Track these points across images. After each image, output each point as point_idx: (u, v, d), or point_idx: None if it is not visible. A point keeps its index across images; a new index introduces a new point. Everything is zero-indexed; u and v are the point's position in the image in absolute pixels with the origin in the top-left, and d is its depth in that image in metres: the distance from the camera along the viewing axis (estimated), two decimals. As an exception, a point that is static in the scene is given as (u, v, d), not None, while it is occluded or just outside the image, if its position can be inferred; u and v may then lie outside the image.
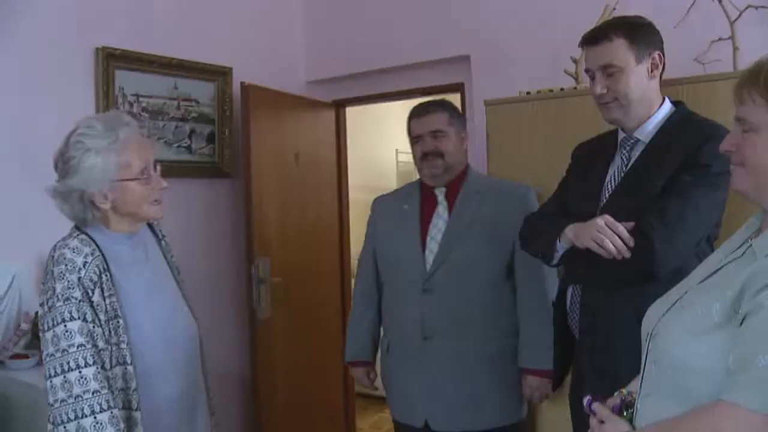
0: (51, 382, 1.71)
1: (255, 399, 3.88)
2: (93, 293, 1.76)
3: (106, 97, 3.49)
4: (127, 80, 3.58)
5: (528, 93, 3.13)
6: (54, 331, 1.71)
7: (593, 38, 2.04)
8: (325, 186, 4.38)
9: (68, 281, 1.74)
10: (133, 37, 3.61)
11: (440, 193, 2.69)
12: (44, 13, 3.33)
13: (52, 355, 1.70)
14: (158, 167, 1.96)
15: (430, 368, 2.56)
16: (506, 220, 2.57)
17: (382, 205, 2.88)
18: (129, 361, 1.80)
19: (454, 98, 4.15)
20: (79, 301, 1.73)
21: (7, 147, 3.14)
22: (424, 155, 2.66)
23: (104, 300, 1.78)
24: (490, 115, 3.20)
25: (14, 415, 2.81)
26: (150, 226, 2.11)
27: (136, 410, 1.82)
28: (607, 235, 1.81)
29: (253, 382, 3.90)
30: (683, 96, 2.36)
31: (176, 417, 1.96)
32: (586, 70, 2.10)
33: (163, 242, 2.13)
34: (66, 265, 1.76)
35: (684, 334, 1.28)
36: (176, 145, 3.82)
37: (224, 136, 4.02)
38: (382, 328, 2.83)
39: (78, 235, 1.85)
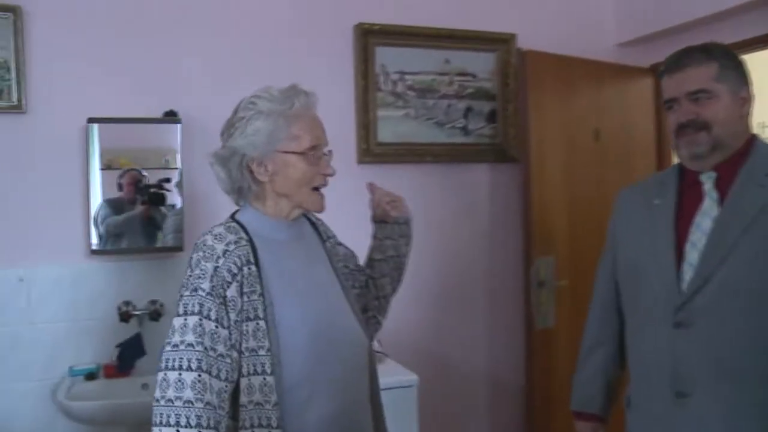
0: (156, 376, 1.54)
1: (530, 415, 3.38)
2: (229, 287, 1.55)
3: (365, 76, 3.26)
4: (389, 57, 3.32)
5: None
6: (173, 323, 1.54)
7: None
8: (638, 169, 3.57)
9: (201, 270, 1.55)
10: (395, 11, 3.32)
11: (708, 181, 1.84)
12: (300, -8, 3.22)
13: (163, 347, 1.54)
14: (330, 155, 1.71)
15: None
16: None
17: (626, 198, 2.09)
18: (269, 371, 1.55)
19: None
20: (206, 294, 1.53)
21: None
22: (680, 127, 1.85)
23: (241, 296, 1.56)
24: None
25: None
26: (315, 226, 1.86)
27: (276, 428, 1.56)
28: None
29: (528, 396, 3.39)
30: None
31: None
32: None
33: (328, 243, 1.85)
34: (204, 252, 1.57)
35: None
36: (449, 125, 3.44)
37: (507, 113, 3.52)
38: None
39: (228, 222, 1.66)
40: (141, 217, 2.95)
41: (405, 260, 1.98)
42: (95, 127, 2.87)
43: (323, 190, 1.71)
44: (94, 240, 2.89)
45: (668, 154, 3.65)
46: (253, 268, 1.59)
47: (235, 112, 1.69)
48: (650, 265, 1.86)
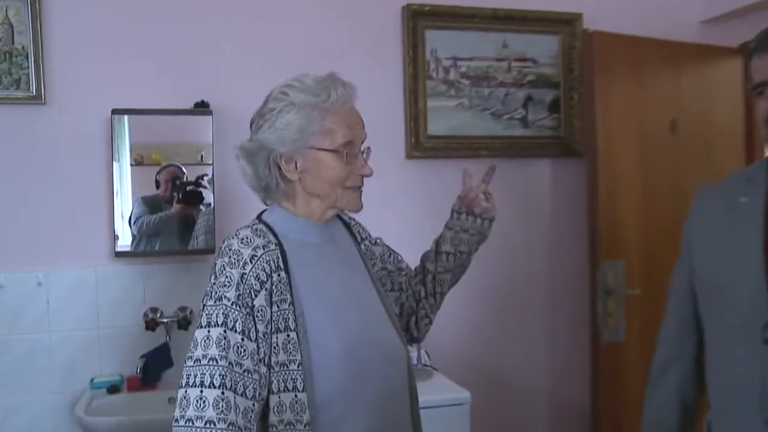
0: (177, 393, 1.43)
1: (595, 441, 3.05)
2: (257, 295, 1.44)
3: (414, 63, 3.00)
4: (440, 41, 3.04)
5: None
6: (195, 336, 1.43)
7: None
8: (722, 164, 3.18)
9: (226, 277, 1.45)
10: (447, -12, 3.05)
11: None
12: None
13: (185, 362, 1.43)
14: (368, 152, 1.60)
15: None
16: None
17: (705, 197, 1.79)
18: (301, 387, 1.45)
19: None
20: (232, 303, 1.42)
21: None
22: None
23: (270, 306, 1.46)
24: None
25: None
26: (347, 226, 1.74)
27: None
28: None
29: (593, 418, 3.06)
30: None
31: None
32: None
33: (363, 245, 1.73)
34: (230, 257, 1.47)
35: None
36: (506, 117, 3.14)
37: (572, 102, 3.20)
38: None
39: (254, 224, 1.55)
40: (177, 218, 2.77)
41: (469, 262, 1.87)
42: (125, 119, 2.69)
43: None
44: (126, 240, 2.71)
45: (758, 146, 3.26)
46: (283, 274, 1.48)
47: (266, 102, 1.57)
48: (734, 273, 1.59)
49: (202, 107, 2.78)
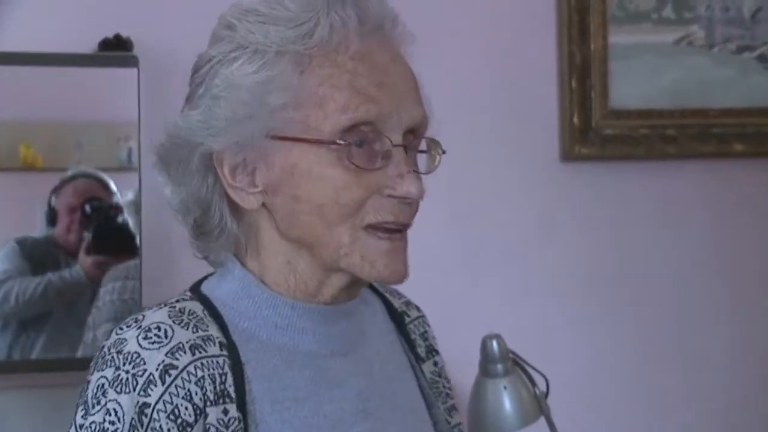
0: None
1: None
2: None
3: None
4: None
5: None
6: None
7: None
8: None
9: (108, 412, 0.77)
10: None
11: None
12: None
13: None
14: (435, 148, 0.84)
15: None
16: None
17: None
18: None
19: None
20: None
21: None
22: None
23: None
24: None
25: None
26: (397, 316, 0.95)
27: None
28: None
29: None
30: None
31: None
32: None
33: (427, 367, 0.97)
34: (117, 369, 0.78)
35: None
36: None
37: None
38: None
39: (182, 300, 0.81)
40: (86, 284, 1.61)
41: None
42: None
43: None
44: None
45: None
46: (234, 412, 0.80)
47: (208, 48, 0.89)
48: None
49: (116, 49, 1.55)
